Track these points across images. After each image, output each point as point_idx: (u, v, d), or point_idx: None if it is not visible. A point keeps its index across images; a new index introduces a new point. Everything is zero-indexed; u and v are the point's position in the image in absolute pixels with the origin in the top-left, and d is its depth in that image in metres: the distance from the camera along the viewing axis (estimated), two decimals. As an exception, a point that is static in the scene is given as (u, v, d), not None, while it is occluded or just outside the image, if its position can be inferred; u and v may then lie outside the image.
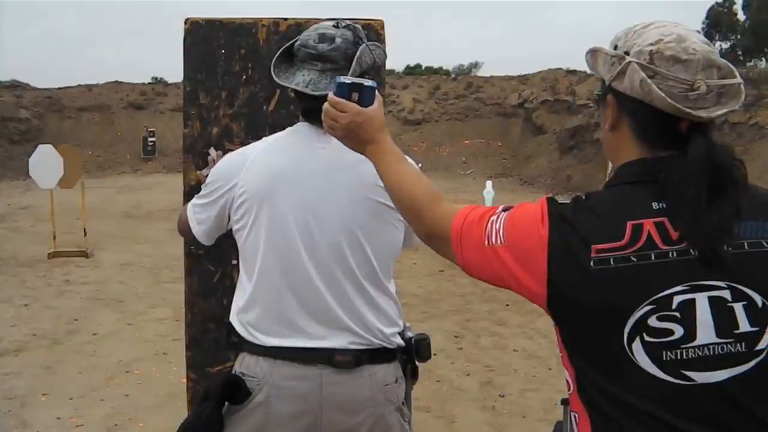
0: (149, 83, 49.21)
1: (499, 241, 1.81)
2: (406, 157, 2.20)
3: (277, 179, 2.58)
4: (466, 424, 6.09)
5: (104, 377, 7.28)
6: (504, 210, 1.90)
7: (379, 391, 2.63)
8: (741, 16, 39.77)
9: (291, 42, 2.69)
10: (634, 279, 1.64)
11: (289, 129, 2.73)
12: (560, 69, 45.38)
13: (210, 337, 3.63)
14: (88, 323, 9.37)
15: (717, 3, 42.56)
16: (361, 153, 2.18)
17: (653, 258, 1.64)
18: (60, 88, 47.41)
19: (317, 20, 3.62)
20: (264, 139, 2.75)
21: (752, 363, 1.66)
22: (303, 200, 2.58)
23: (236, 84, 3.58)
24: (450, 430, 6.00)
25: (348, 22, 2.71)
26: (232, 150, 3.43)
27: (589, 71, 2.02)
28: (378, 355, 2.64)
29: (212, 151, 3.49)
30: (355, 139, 2.16)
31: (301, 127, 2.69)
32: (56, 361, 7.82)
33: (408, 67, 57.59)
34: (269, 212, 2.57)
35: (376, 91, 2.20)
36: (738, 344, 1.65)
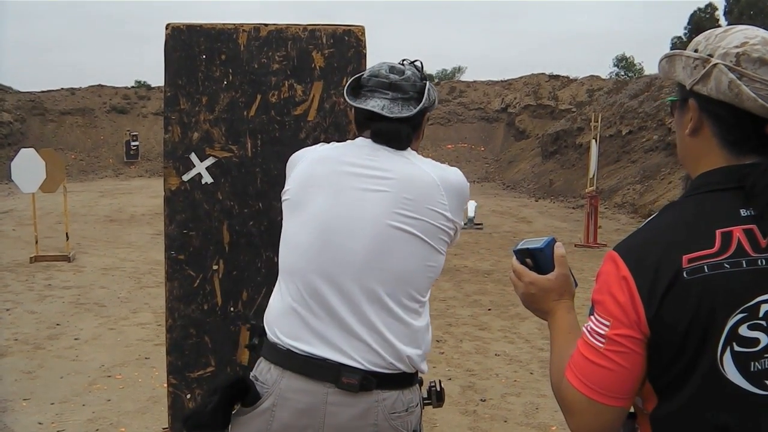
0: (132, 87, 49.13)
1: (604, 328, 1.69)
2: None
3: (316, 185, 2.65)
4: (447, 429, 6.10)
5: (86, 382, 7.25)
6: (591, 312, 1.76)
7: (385, 419, 2.57)
8: (723, 21, 39.93)
9: (358, 74, 2.83)
10: (728, 286, 1.61)
11: (349, 141, 2.82)
12: (543, 74, 45.55)
13: (191, 342, 3.63)
14: (70, 328, 9.34)
15: (699, 9, 42.74)
16: (545, 320, 2.05)
17: (744, 265, 1.62)
18: (43, 92, 47.31)
19: (297, 26, 3.66)
20: (324, 144, 2.85)
21: None
22: (337, 209, 2.61)
23: (217, 89, 3.58)
24: (432, 433, 6.02)
25: (411, 60, 2.91)
26: (213, 155, 3.45)
27: (663, 75, 1.86)
28: (391, 380, 2.58)
29: (193, 156, 3.50)
30: (533, 308, 2.06)
31: (361, 141, 2.77)
32: (38, 366, 7.79)
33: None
34: (303, 215, 2.64)
35: (556, 252, 2.02)
36: None
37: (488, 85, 46.36)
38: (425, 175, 2.69)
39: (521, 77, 46.12)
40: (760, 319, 1.61)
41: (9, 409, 6.57)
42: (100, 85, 48.65)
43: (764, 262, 1.62)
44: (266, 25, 3.66)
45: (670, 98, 1.91)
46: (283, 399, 2.52)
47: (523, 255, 2.04)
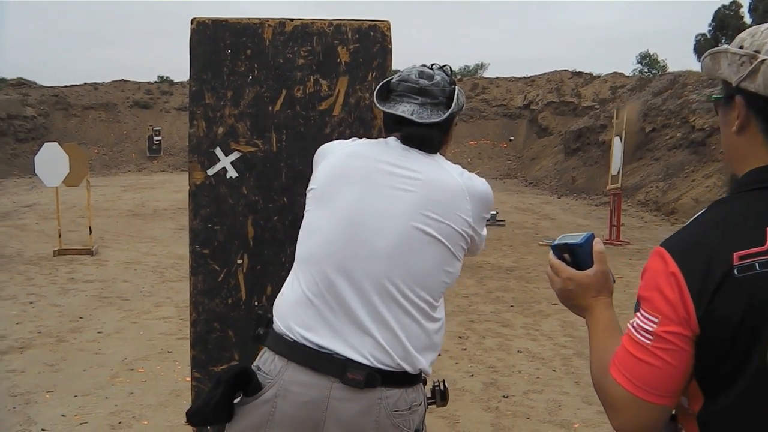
0: (155, 82, 49.26)
1: (652, 325, 1.67)
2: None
3: (346, 179, 2.69)
4: (469, 425, 6.09)
5: (109, 375, 7.30)
6: (637, 308, 1.74)
7: (387, 416, 2.58)
8: (747, 19, 39.62)
9: (388, 79, 2.88)
10: None
11: (381, 140, 2.85)
12: (566, 71, 45.43)
13: (214, 336, 3.64)
14: (93, 321, 9.40)
15: (723, 6, 42.40)
16: (582, 317, 2.02)
17: None
18: (66, 87, 47.56)
19: (322, 21, 3.65)
20: (356, 139, 2.91)
21: None
22: (365, 205, 2.63)
23: (242, 84, 3.58)
24: (454, 430, 6.00)
25: (440, 64, 2.95)
26: (238, 150, 3.44)
27: (707, 73, 1.80)
28: (396, 378, 2.59)
29: (218, 151, 3.50)
30: (570, 304, 2.04)
31: (392, 141, 2.80)
32: (61, 359, 7.84)
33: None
34: (329, 207, 2.66)
35: (595, 247, 1.99)
36: None
37: (511, 82, 46.27)
38: (453, 180, 2.74)
39: (544, 74, 46.02)
40: None
41: (32, 401, 6.60)
42: (122, 80, 48.85)
43: None
44: (291, 20, 3.66)
45: (714, 96, 1.89)
46: (285, 390, 2.53)
47: (561, 250, 2.03)
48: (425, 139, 2.77)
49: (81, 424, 6.12)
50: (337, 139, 3.59)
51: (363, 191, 2.64)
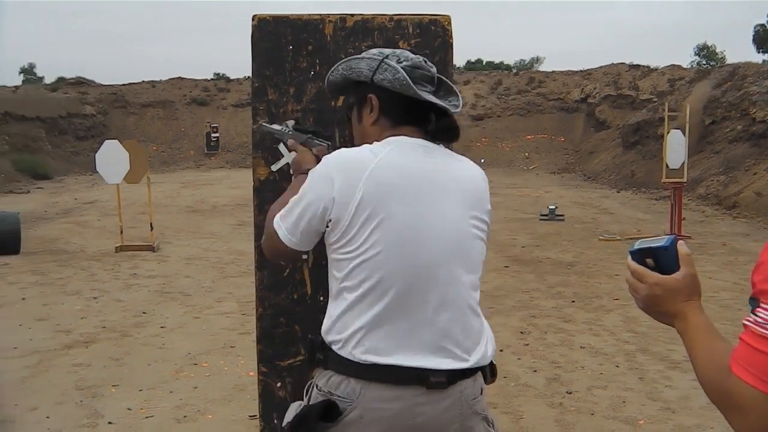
0: (212, 79, 49.62)
1: None
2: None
3: (388, 194, 2.56)
4: (533, 421, 6.07)
5: (173, 369, 7.40)
6: (756, 304, 1.61)
7: (468, 406, 2.63)
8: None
9: (379, 60, 2.72)
10: None
11: (397, 142, 2.67)
12: (623, 63, 44.98)
13: (280, 331, 3.66)
14: (156, 316, 9.53)
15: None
16: (668, 325, 1.89)
17: None
18: (124, 85, 48.12)
19: (383, 16, 3.66)
20: (372, 150, 2.64)
21: None
22: (415, 218, 2.58)
23: (304, 80, 3.60)
24: (518, 426, 5.99)
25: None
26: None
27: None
28: (470, 371, 2.64)
29: (282, 147, 3.50)
30: (658, 312, 1.89)
31: (412, 142, 2.70)
32: (125, 353, 7.96)
33: (469, 62, 57.49)
34: (379, 225, 2.54)
35: (680, 250, 1.86)
36: None
37: (567, 75, 45.92)
38: (476, 173, 2.77)
39: (600, 67, 45.60)
40: None
41: (98, 394, 6.71)
42: (180, 78, 49.28)
43: None
44: (352, 15, 3.67)
45: None
46: (370, 410, 2.52)
47: (642, 255, 1.90)
48: (457, 128, 2.76)
49: (147, 417, 6.21)
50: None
51: (410, 203, 2.57)
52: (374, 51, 2.78)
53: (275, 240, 2.71)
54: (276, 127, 3.33)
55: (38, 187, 31.41)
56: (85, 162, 38.89)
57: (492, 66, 54.52)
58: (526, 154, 39.73)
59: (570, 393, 6.69)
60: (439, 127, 2.72)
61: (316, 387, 2.61)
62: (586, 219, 19.14)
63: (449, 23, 3.67)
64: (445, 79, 2.81)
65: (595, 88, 42.70)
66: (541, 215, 18.83)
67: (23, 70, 67.52)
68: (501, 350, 7.87)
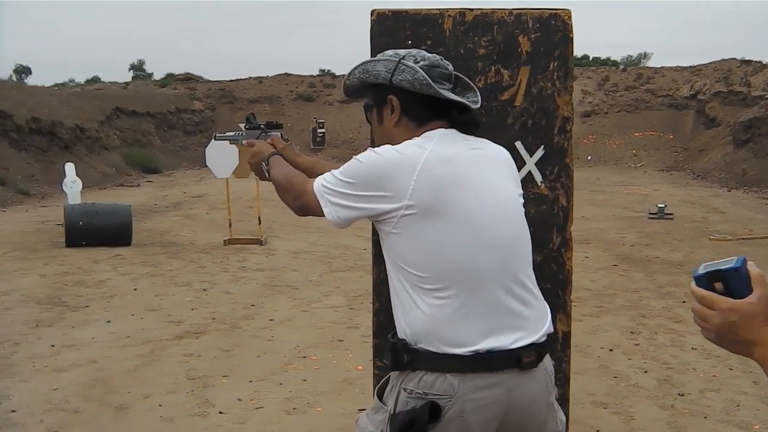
0: (317, 75, 50.03)
1: None
2: None
3: (449, 186, 2.58)
4: (644, 422, 5.95)
5: (282, 362, 7.45)
6: None
7: (551, 381, 2.72)
8: None
9: (396, 61, 2.73)
10: None
11: (435, 135, 2.69)
12: (734, 59, 43.94)
13: (397, 325, 3.67)
14: (265, 309, 9.63)
15: None
16: (744, 355, 1.72)
17: None
18: (231, 81, 48.80)
19: (502, 10, 3.64)
20: (418, 145, 2.64)
21: None
22: (479, 204, 2.60)
23: (423, 75, 3.60)
24: (628, 427, 5.88)
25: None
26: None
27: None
28: (548, 345, 2.71)
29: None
30: (733, 341, 1.70)
31: (444, 132, 2.72)
32: (235, 345, 8.07)
33: (575, 57, 56.92)
34: (447, 218, 2.56)
35: (752, 271, 1.68)
36: None
37: (676, 71, 45.09)
38: (506, 152, 2.88)
39: (711, 62, 44.65)
40: None
41: (209, 384, 6.81)
42: (286, 74, 49.84)
43: None
44: (471, 9, 3.65)
45: None
46: (469, 401, 2.52)
47: (710, 279, 1.70)
48: (477, 123, 2.80)
49: (256, 408, 6.27)
50: (519, 129, 3.59)
51: (474, 191, 2.60)
52: (390, 52, 2.80)
53: (313, 207, 2.80)
54: (229, 134, 3.70)
55: (148, 181, 32.12)
56: (194, 156, 39.65)
57: (599, 62, 53.81)
58: (634, 151, 39.14)
59: (682, 395, 6.53)
60: (460, 122, 2.74)
61: (405, 390, 2.59)
62: (695, 218, 18.76)
63: (569, 17, 3.64)
64: (461, 75, 2.83)
65: (705, 84, 41.84)
66: (650, 214, 18.53)
67: (133, 67, 69.02)
68: (611, 350, 7.78)
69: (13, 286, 11.04)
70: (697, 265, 1.75)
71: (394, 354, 2.63)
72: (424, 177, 2.53)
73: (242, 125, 3.68)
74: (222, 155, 14.43)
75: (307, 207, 2.81)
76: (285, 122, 43.26)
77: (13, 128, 28.72)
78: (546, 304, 2.77)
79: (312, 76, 49.89)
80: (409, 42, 3.62)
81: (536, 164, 3.63)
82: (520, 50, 3.61)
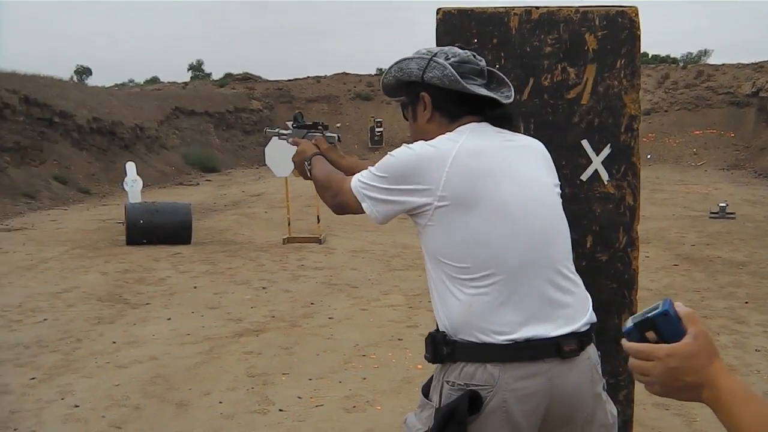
0: (375, 74, 50.11)
1: None
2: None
3: (484, 178, 2.61)
4: (706, 424, 5.85)
5: (341, 360, 7.46)
6: None
7: (596, 371, 2.70)
8: None
9: (429, 58, 2.77)
10: None
11: (466, 129, 2.72)
12: (798, 55, 43.10)
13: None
14: (324, 307, 9.65)
15: None
16: (696, 400, 1.58)
17: None
18: (290, 80, 49.02)
19: (569, 8, 3.61)
20: (450, 138, 2.68)
21: None
22: (514, 189, 2.62)
23: (489, 73, 3.58)
24: (691, 428, 5.80)
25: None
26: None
27: None
28: (590, 335, 2.69)
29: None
30: (681, 388, 1.56)
31: (477, 126, 2.75)
32: (294, 343, 8.09)
33: (634, 55, 56.39)
34: (481, 209, 2.58)
35: (680, 310, 1.59)
36: None
37: (737, 68, 44.44)
38: (536, 141, 2.91)
39: (774, 59, 44.03)
40: None
41: (269, 382, 6.84)
42: (344, 73, 49.97)
43: None
44: (537, 8, 3.63)
45: None
46: (510, 392, 2.52)
47: (641, 330, 1.60)
48: (510, 117, 2.84)
49: (316, 406, 6.28)
50: (585, 127, 3.57)
51: (508, 180, 2.62)
52: (423, 50, 2.84)
53: (351, 204, 2.86)
54: (278, 130, 3.97)
55: (207, 180, 32.39)
56: (252, 155, 39.93)
57: (658, 59, 53.25)
58: (694, 149, 38.68)
59: (746, 397, 6.42)
60: (493, 117, 2.77)
61: (447, 383, 2.60)
62: (758, 217, 18.46)
63: (636, 14, 3.61)
64: (495, 70, 2.84)
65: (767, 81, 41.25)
66: (711, 213, 18.28)
67: (191, 67, 69.63)
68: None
69: (75, 284, 11.20)
70: (626, 325, 1.65)
71: (434, 346, 2.65)
72: (455, 169, 2.58)
73: (290, 123, 3.80)
74: (281, 154, 14.47)
75: (344, 204, 2.89)
76: (343, 121, 43.48)
77: (74, 128, 29.14)
78: (587, 293, 2.76)
79: (370, 75, 49.95)
80: (475, 41, 3.62)
81: (603, 163, 3.60)
82: (586, 48, 3.58)
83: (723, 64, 45.91)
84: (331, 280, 11.42)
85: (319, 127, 3.64)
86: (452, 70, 2.67)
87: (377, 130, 42.98)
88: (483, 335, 2.54)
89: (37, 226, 17.99)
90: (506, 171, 2.62)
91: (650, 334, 1.57)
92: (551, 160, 2.85)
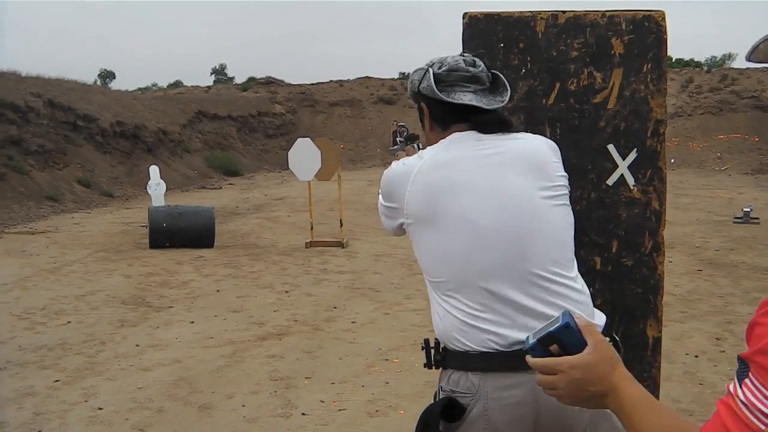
0: (398, 78, 50.10)
1: None
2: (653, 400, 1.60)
3: (443, 193, 2.63)
4: None
5: (364, 364, 7.48)
6: (745, 375, 1.32)
7: None
8: None
9: (425, 69, 2.82)
10: None
11: (444, 141, 2.78)
12: (823, 60, 42.86)
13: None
14: (347, 311, 9.66)
15: None
16: (603, 407, 1.65)
17: None
18: (312, 84, 49.08)
19: (595, 12, 3.60)
20: (421, 154, 2.80)
21: None
22: (477, 206, 2.61)
23: (515, 78, 3.57)
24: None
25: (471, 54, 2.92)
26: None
27: None
28: None
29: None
30: (588, 398, 1.64)
31: (459, 136, 2.76)
32: (317, 347, 8.11)
33: (659, 60, 56.22)
34: (444, 224, 2.62)
35: (579, 323, 1.67)
36: None
37: (763, 72, 44.08)
38: (537, 144, 2.82)
39: (799, 63, 43.66)
40: None
41: (292, 385, 6.86)
42: (367, 77, 49.98)
43: None
44: (564, 12, 3.62)
45: None
46: (492, 401, 2.52)
47: (544, 345, 1.67)
48: (500, 122, 2.79)
49: (339, 410, 6.30)
50: (611, 132, 3.55)
51: (469, 193, 2.62)
52: (427, 61, 2.87)
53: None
54: (396, 148, 3.85)
55: (230, 184, 32.47)
56: (275, 159, 39.99)
57: (682, 63, 52.98)
58: (718, 154, 38.42)
59: (771, 404, 6.39)
60: (479, 122, 2.76)
61: (441, 389, 2.65)
62: (783, 223, 18.37)
63: (663, 19, 3.59)
64: (498, 74, 2.85)
65: (793, 86, 41.01)
66: (735, 218, 18.17)
67: (215, 71, 69.96)
68: (696, 356, 7.65)
69: (99, 286, 11.27)
70: (527, 341, 1.72)
71: (426, 352, 2.74)
72: (415, 187, 2.67)
73: (399, 139, 3.97)
74: (305, 158, 14.54)
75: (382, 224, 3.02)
76: (365, 125, 43.53)
77: (98, 132, 29.28)
78: (587, 298, 2.70)
79: (392, 79, 49.96)
80: (501, 45, 3.61)
81: (629, 167, 3.58)
82: (612, 52, 3.56)
83: (747, 68, 45.57)
84: (353, 284, 11.43)
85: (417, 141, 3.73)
86: (432, 80, 2.73)
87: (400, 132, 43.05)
88: (462, 344, 2.57)
89: (61, 229, 18.08)
90: (468, 182, 2.63)
91: (554, 348, 1.65)
92: (548, 161, 2.76)
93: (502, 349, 2.52)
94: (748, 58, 1.51)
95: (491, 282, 2.55)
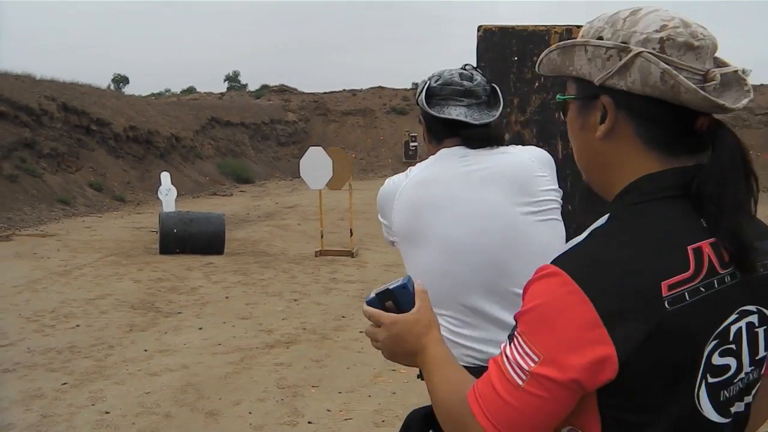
0: (410, 89, 50.18)
1: (531, 363, 1.34)
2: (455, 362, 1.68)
3: (425, 210, 2.64)
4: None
5: (371, 374, 7.47)
6: (513, 334, 1.42)
7: None
8: None
9: (425, 83, 2.81)
10: (704, 314, 1.35)
11: (433, 157, 2.79)
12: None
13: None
14: (355, 321, 9.62)
15: None
16: (414, 365, 1.76)
17: (716, 286, 1.37)
18: (325, 93, 49.17)
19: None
20: (408, 171, 2.80)
21: (755, 389, 1.49)
22: (457, 223, 2.61)
23: (528, 91, 3.59)
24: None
25: (473, 65, 2.91)
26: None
27: (550, 71, 1.55)
28: None
29: None
30: (402, 353, 1.75)
31: (447, 152, 2.77)
32: (325, 356, 8.10)
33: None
34: (427, 243, 2.62)
35: (414, 288, 1.79)
36: (755, 371, 1.46)
37: (775, 88, 44.13)
38: (521, 159, 2.73)
39: (813, 80, 43.61)
40: (730, 342, 1.39)
41: (299, 394, 6.85)
42: (380, 87, 50.07)
43: (729, 279, 1.38)
44: (578, 26, 3.63)
45: (562, 96, 1.59)
46: None
47: (381, 299, 1.79)
48: (488, 137, 2.76)
49: (346, 419, 6.29)
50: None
51: (448, 210, 2.62)
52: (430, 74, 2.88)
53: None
54: None
55: (241, 191, 32.54)
56: (286, 167, 40.05)
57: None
58: (729, 172, 38.37)
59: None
60: (466, 138, 2.75)
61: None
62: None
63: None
64: (495, 87, 2.85)
65: (807, 103, 40.91)
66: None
67: (228, 78, 70.14)
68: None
69: (109, 291, 11.30)
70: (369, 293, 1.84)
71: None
72: (399, 205, 2.69)
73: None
74: (316, 167, 14.55)
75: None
76: (377, 135, 43.63)
77: (111, 136, 29.41)
78: None
79: (405, 89, 50.03)
80: (515, 58, 3.62)
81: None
82: (626, 67, 3.57)
83: (762, 85, 45.55)
84: (362, 293, 11.36)
85: None
86: (422, 95, 2.76)
87: (412, 144, 43.00)
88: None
89: (72, 232, 18.15)
90: (449, 199, 2.63)
91: (389, 304, 1.77)
92: (532, 176, 2.70)
93: (481, 364, 2.52)
94: (537, 70, 1.65)
95: (471, 299, 2.57)
